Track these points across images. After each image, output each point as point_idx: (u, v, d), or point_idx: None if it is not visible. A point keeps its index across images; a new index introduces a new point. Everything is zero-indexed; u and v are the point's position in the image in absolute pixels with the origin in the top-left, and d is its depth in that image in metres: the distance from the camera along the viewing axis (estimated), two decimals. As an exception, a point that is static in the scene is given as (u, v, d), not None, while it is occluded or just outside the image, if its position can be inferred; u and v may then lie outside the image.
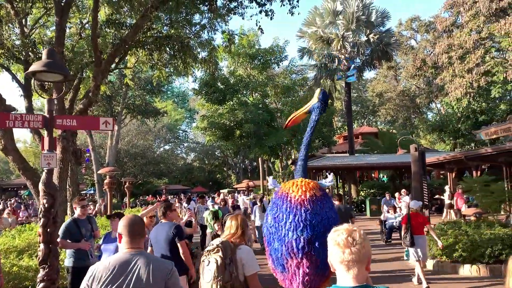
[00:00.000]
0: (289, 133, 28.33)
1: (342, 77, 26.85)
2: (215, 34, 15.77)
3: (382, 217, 13.12)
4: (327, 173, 23.88)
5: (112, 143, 32.86)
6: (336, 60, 26.56)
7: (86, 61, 12.01)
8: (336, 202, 8.08)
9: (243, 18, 11.88)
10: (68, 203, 10.98)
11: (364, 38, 25.55)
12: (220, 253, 3.25)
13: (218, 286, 3.17)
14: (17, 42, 10.79)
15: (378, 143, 31.49)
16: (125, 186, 20.48)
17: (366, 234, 1.90)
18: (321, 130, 27.39)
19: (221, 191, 38.85)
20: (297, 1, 10.76)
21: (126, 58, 13.83)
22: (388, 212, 12.99)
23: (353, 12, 25.12)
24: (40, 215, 4.80)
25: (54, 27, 10.60)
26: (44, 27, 13.57)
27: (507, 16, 21.10)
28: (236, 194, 28.62)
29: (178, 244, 4.98)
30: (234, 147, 29.87)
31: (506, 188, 12.56)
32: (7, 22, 10.27)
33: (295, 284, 4.28)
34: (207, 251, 3.37)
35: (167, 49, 11.27)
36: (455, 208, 14.43)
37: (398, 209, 13.38)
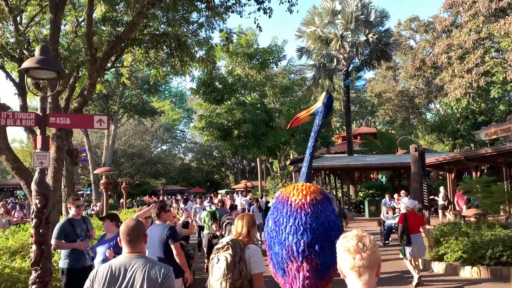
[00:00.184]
0: (287, 133, 28.24)
1: (350, 83, 26.86)
2: (212, 32, 15.69)
3: (382, 217, 13.06)
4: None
5: (108, 143, 32.69)
6: (335, 60, 26.45)
7: (82, 60, 11.86)
8: None
9: (241, 17, 11.77)
10: (63, 204, 10.83)
11: (363, 38, 25.45)
12: (230, 251, 3.25)
13: (228, 284, 3.16)
14: (12, 40, 10.64)
15: (376, 144, 31.43)
16: (122, 186, 20.32)
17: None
18: (320, 131, 27.23)
19: (219, 191, 38.79)
20: (296, -1, 10.64)
21: (123, 57, 13.70)
22: (387, 213, 12.89)
23: (352, 12, 25.02)
24: (32, 216, 4.69)
25: (49, 25, 10.44)
26: (39, 25, 13.40)
27: (506, 16, 21.03)
28: (234, 194, 28.47)
29: (172, 246, 4.86)
30: (232, 147, 29.74)
31: (506, 189, 12.47)
32: (1, 19, 10.12)
33: (296, 287, 4.26)
34: (216, 249, 3.37)
35: (164, 47, 11.13)
36: (456, 209, 14.34)
37: (397, 210, 13.27)
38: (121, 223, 5.37)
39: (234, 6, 10.98)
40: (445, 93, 28.64)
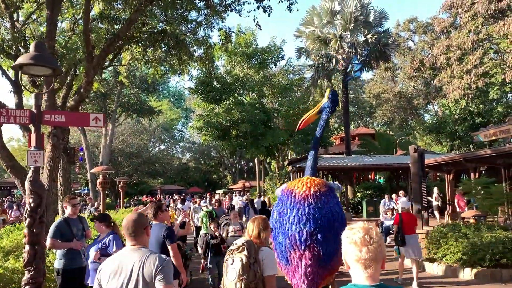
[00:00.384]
0: (286, 134, 28.15)
1: (359, 74, 27.25)
2: (211, 31, 15.61)
3: (381, 218, 13.06)
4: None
5: (106, 142, 32.54)
6: (334, 61, 26.38)
7: (79, 58, 11.75)
8: None
9: (240, 15, 11.65)
10: (59, 203, 10.71)
11: (362, 39, 25.37)
12: (245, 252, 3.26)
13: (243, 285, 3.17)
14: (8, 37, 10.52)
15: (375, 145, 31.37)
16: (119, 186, 20.20)
17: None
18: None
19: (217, 191, 38.71)
20: (295, -3, 10.54)
21: (121, 55, 13.59)
22: (386, 214, 12.84)
23: (351, 12, 24.95)
24: (26, 215, 4.60)
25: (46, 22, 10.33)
26: (37, 23, 13.29)
27: (505, 18, 21.01)
28: (233, 195, 28.40)
29: (169, 247, 4.79)
30: (230, 147, 29.63)
31: (504, 191, 12.41)
32: (-3, 16, 10.01)
33: (298, 275, 4.39)
34: (231, 250, 3.41)
35: (162, 45, 11.02)
36: (457, 210, 14.30)
37: (395, 211, 13.21)
38: (113, 223, 5.32)
39: (233, 4, 10.88)
40: (443, 94, 28.60)
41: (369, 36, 24.87)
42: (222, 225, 9.01)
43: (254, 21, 10.59)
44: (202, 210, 11.78)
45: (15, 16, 11.25)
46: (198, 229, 11.80)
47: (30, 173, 4.59)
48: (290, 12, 10.68)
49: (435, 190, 16.68)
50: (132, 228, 2.76)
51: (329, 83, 29.86)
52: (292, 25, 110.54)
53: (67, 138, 11.58)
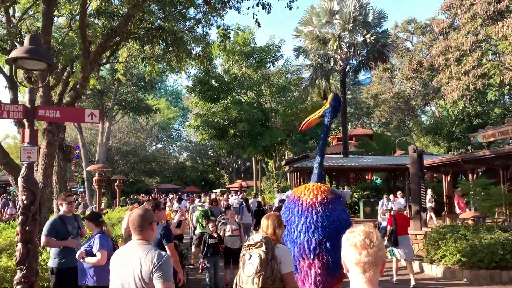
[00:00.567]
0: (283, 133, 28.08)
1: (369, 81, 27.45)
2: (210, 29, 15.49)
3: (379, 218, 13.02)
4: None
5: (102, 140, 32.32)
6: (332, 60, 26.29)
7: (76, 54, 11.61)
8: None
9: (239, 13, 11.54)
10: (54, 201, 10.58)
11: (360, 39, 25.30)
12: (263, 248, 3.24)
13: (260, 281, 3.14)
14: (3, 32, 10.37)
15: (372, 145, 31.35)
16: (116, 184, 20.08)
17: None
18: (315, 131, 27.17)
19: (213, 191, 38.59)
20: (295, -6, 10.44)
21: (118, 52, 13.45)
22: (384, 215, 12.76)
23: (350, 12, 24.87)
24: (18, 213, 4.49)
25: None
26: (33, 18, 13.13)
27: (504, 19, 20.99)
28: (230, 194, 28.31)
29: (166, 247, 4.70)
30: (227, 147, 29.54)
31: (503, 192, 12.37)
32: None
33: (308, 284, 4.40)
34: (248, 245, 3.39)
35: (160, 41, 10.90)
36: (457, 211, 14.27)
37: (393, 212, 13.13)
38: (102, 222, 5.23)
39: (232, 1, 10.78)
40: (441, 95, 28.57)
41: (367, 36, 24.80)
42: (219, 224, 8.93)
43: (254, 18, 10.49)
44: (198, 209, 11.67)
45: (11, 11, 11.10)
46: (195, 228, 11.69)
47: (23, 170, 4.48)
48: (290, 9, 10.57)
49: (429, 191, 16.62)
50: (138, 223, 2.79)
51: (327, 83, 29.78)
52: (290, 25, 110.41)
53: (63, 135, 11.46)
